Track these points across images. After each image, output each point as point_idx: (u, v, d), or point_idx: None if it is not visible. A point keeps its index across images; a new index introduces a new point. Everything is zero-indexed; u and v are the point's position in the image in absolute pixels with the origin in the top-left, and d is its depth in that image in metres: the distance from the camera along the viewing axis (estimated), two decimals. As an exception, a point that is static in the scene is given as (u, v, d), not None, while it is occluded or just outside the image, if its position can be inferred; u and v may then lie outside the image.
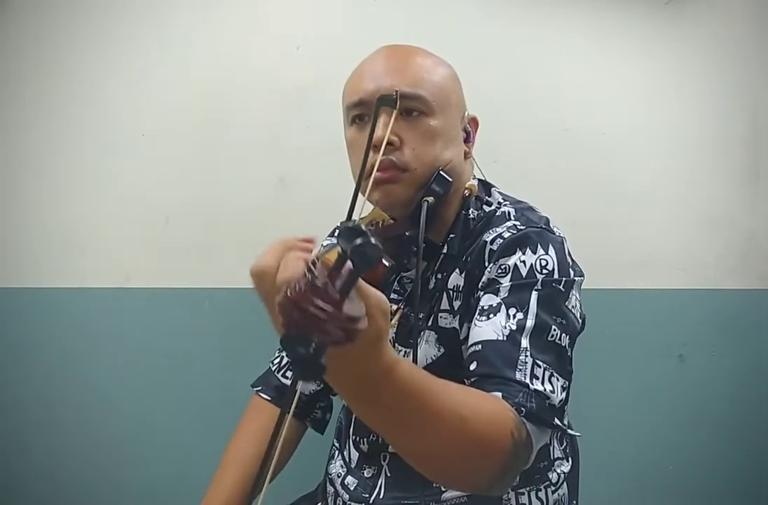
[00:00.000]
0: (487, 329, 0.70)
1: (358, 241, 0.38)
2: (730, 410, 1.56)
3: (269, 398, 0.95)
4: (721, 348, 1.56)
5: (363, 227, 0.39)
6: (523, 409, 0.63)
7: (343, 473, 0.90)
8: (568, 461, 0.89)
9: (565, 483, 0.87)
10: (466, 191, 0.83)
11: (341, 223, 0.39)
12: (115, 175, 1.32)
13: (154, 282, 1.33)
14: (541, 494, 0.83)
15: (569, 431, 0.69)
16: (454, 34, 1.43)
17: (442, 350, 0.80)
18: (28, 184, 1.30)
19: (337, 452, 0.95)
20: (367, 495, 0.85)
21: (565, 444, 0.89)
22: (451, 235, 0.82)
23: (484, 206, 0.85)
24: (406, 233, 0.74)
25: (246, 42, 1.36)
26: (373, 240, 0.38)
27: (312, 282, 0.38)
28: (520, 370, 0.66)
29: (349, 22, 1.39)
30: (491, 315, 0.71)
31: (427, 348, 0.81)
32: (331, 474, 0.93)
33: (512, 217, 0.81)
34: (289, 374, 0.96)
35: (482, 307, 0.73)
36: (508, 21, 1.47)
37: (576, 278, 0.76)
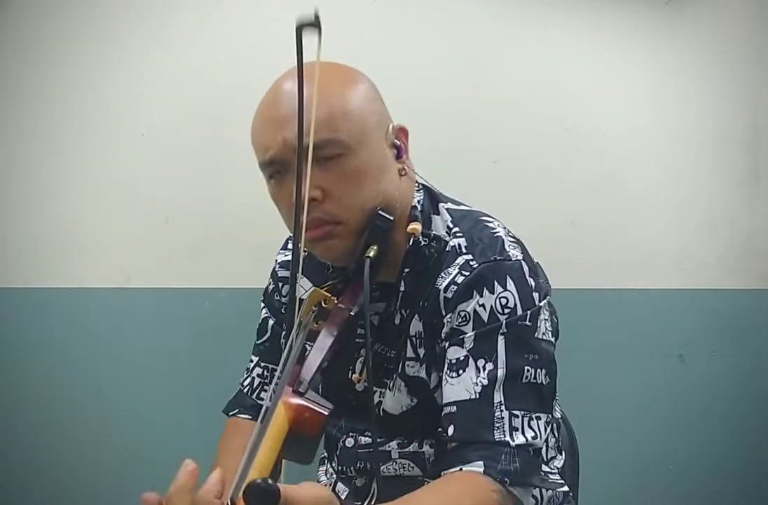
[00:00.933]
0: (458, 388, 0.70)
1: (253, 484, 0.40)
2: (730, 410, 1.56)
3: (249, 417, 0.90)
4: (721, 348, 1.56)
5: (270, 483, 0.41)
6: (507, 479, 0.64)
7: (332, 482, 0.88)
8: (561, 454, 0.88)
9: (558, 477, 0.85)
10: (410, 233, 0.75)
11: (249, 483, 0.42)
12: (115, 175, 1.32)
13: (154, 282, 1.33)
14: (535, 492, 0.82)
15: (552, 487, 0.73)
16: (454, 34, 1.43)
17: (415, 400, 0.78)
18: (28, 184, 1.30)
19: (326, 461, 0.93)
20: (359, 503, 0.83)
21: (555, 439, 0.87)
22: (406, 270, 0.77)
23: (432, 242, 0.76)
24: (351, 313, 0.70)
25: (246, 42, 1.36)
26: (263, 484, 0.40)
27: None
28: (498, 428, 0.66)
29: (349, 22, 1.39)
30: (461, 371, 0.70)
31: (400, 396, 0.78)
32: (319, 480, 0.91)
33: (464, 250, 0.74)
34: (264, 394, 0.91)
35: (450, 361, 0.71)
36: (508, 21, 1.47)
37: (541, 303, 0.73)
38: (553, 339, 0.76)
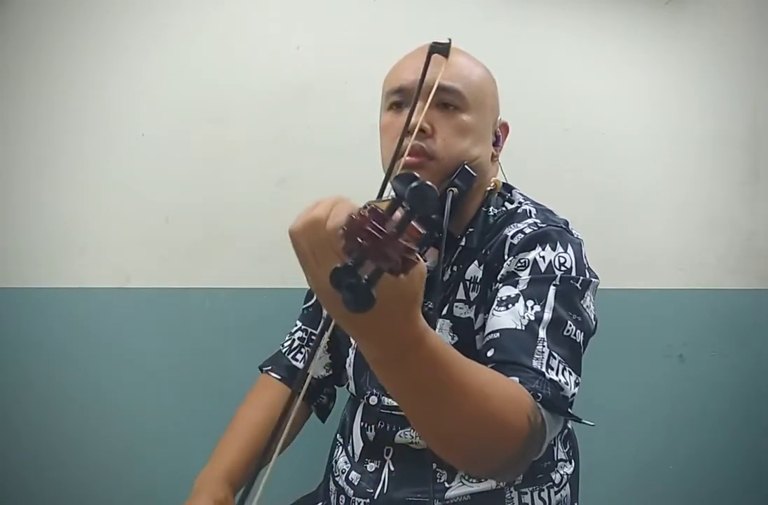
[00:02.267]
0: (505, 318, 0.72)
1: (415, 183, 0.38)
2: (730, 409, 1.57)
3: (279, 378, 0.97)
4: (721, 348, 1.57)
5: (417, 175, 0.40)
6: (540, 394, 0.64)
7: (347, 469, 0.91)
8: (570, 463, 0.90)
9: (567, 485, 0.87)
10: (491, 184, 0.86)
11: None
12: (115, 175, 1.32)
13: (154, 282, 1.33)
14: (544, 495, 0.83)
15: (583, 421, 0.70)
16: (454, 34, 1.41)
17: (456, 338, 0.82)
18: (28, 184, 1.30)
19: (340, 447, 0.96)
20: (371, 490, 0.85)
21: (568, 447, 0.90)
22: (470, 230, 0.84)
23: (506, 203, 0.87)
24: (433, 216, 0.74)
25: (246, 42, 1.36)
26: (429, 183, 0.39)
27: (375, 209, 0.39)
28: (537, 359, 0.67)
29: (349, 22, 1.39)
30: (510, 305, 0.73)
31: (442, 336, 0.81)
32: (335, 471, 0.94)
33: (533, 215, 0.83)
34: (299, 356, 0.97)
35: (501, 298, 0.75)
36: (508, 21, 1.47)
37: (593, 280, 0.78)
38: (594, 322, 0.78)
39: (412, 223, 0.39)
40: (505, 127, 0.91)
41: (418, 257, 0.45)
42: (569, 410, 0.68)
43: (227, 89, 1.35)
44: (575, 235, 0.81)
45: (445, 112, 0.80)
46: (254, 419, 0.91)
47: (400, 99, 0.83)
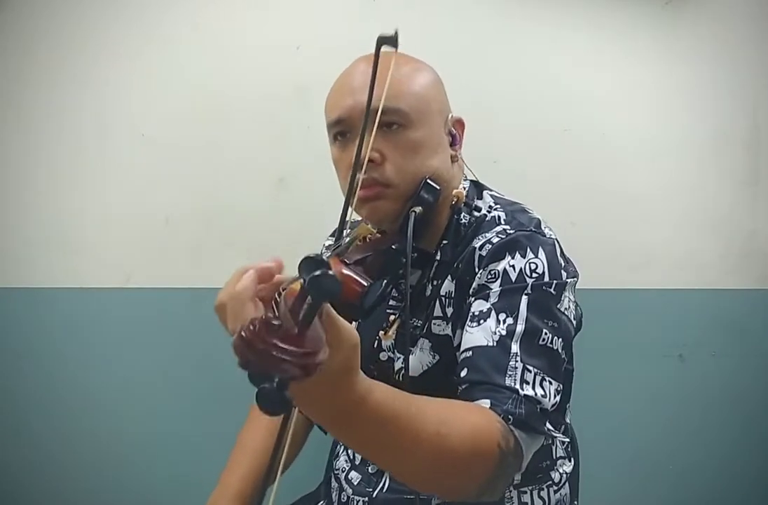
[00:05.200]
0: (477, 335, 0.71)
1: (315, 273, 0.37)
2: (731, 410, 1.56)
3: None
4: (722, 348, 1.56)
5: (324, 258, 0.40)
6: (510, 417, 0.63)
7: (347, 468, 0.91)
8: (570, 461, 0.89)
9: (567, 483, 0.87)
10: (453, 199, 0.83)
11: (305, 257, 0.40)
12: (115, 175, 1.32)
13: (154, 282, 1.33)
14: (543, 494, 0.84)
15: (558, 436, 0.69)
16: (454, 33, 1.43)
17: (437, 357, 0.80)
18: (28, 184, 1.30)
19: (341, 447, 0.96)
20: (370, 489, 0.86)
21: (566, 444, 0.90)
22: (444, 242, 0.82)
23: (474, 212, 0.84)
24: (393, 246, 0.73)
25: (246, 42, 1.36)
26: (330, 272, 0.38)
27: (267, 320, 0.38)
28: (510, 375, 0.66)
29: (349, 22, 1.39)
30: (481, 321, 0.72)
31: (422, 356, 0.81)
32: (336, 470, 0.94)
33: (502, 222, 0.80)
34: None
35: (473, 313, 0.74)
36: (508, 21, 1.47)
37: (568, 280, 0.76)
38: (574, 321, 0.77)
39: (346, 273, 0.37)
40: (459, 123, 0.87)
41: (349, 329, 0.45)
42: (547, 424, 0.67)
43: (227, 89, 1.35)
44: (547, 236, 0.79)
45: (390, 134, 0.77)
46: (260, 436, 0.92)
47: (341, 130, 0.80)
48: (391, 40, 0.65)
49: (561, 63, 1.49)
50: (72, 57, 1.30)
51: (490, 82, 1.44)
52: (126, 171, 1.32)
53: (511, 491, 0.82)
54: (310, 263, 0.40)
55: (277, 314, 0.39)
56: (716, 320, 1.56)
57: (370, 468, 0.88)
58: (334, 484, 0.94)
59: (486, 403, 0.64)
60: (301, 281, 0.39)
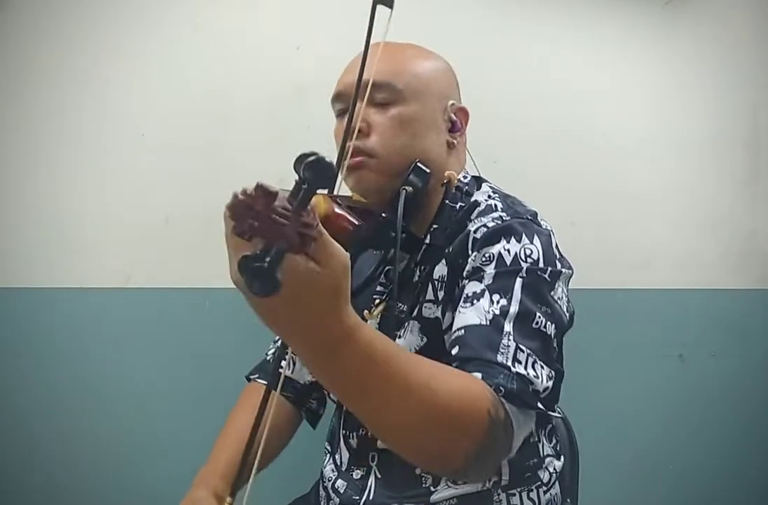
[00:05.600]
0: (470, 315, 0.70)
1: (311, 158, 0.38)
2: (731, 410, 1.56)
3: (266, 383, 0.94)
4: (722, 348, 1.56)
5: (315, 152, 0.39)
6: (502, 388, 0.61)
7: (333, 477, 0.90)
8: (559, 459, 0.88)
9: (557, 483, 0.86)
10: (444, 181, 0.82)
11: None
12: (115, 175, 1.32)
13: (154, 282, 1.33)
14: (533, 495, 0.82)
15: (551, 413, 0.67)
16: (454, 33, 1.43)
17: (425, 339, 0.80)
18: (28, 183, 1.30)
19: (329, 456, 0.95)
20: (357, 497, 0.84)
21: (555, 441, 0.88)
22: (434, 226, 0.82)
23: (465, 196, 0.83)
24: (383, 214, 0.72)
25: (246, 42, 1.36)
26: (327, 158, 0.38)
27: (264, 186, 0.37)
28: (502, 353, 0.65)
29: (349, 22, 1.39)
30: (475, 301, 0.71)
31: (411, 338, 0.80)
32: (323, 478, 0.93)
33: (499, 209, 0.80)
34: (284, 363, 0.94)
35: (466, 294, 0.73)
36: (509, 21, 1.47)
37: (563, 270, 0.75)
38: (567, 314, 0.76)
39: (337, 211, 0.37)
40: (463, 112, 0.86)
41: (341, 249, 0.44)
42: (539, 403, 0.65)
43: (227, 89, 1.35)
44: (544, 226, 0.79)
45: (381, 107, 0.79)
46: (244, 423, 0.88)
47: (340, 106, 0.84)
48: (387, 1, 0.69)
49: (561, 63, 1.49)
50: (72, 57, 1.30)
51: (490, 82, 1.44)
52: (126, 171, 1.32)
53: (499, 494, 0.80)
54: (304, 156, 0.39)
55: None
56: (716, 320, 1.56)
57: (354, 474, 0.86)
58: (321, 492, 0.93)
59: (477, 376, 0.62)
60: (296, 179, 0.39)
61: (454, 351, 0.68)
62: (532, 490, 0.82)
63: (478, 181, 0.89)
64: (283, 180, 1.46)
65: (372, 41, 0.72)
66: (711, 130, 1.57)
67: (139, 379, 1.31)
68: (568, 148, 1.49)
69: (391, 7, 0.70)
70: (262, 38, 1.36)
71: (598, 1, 1.50)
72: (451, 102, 0.85)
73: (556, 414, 0.68)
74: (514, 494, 0.81)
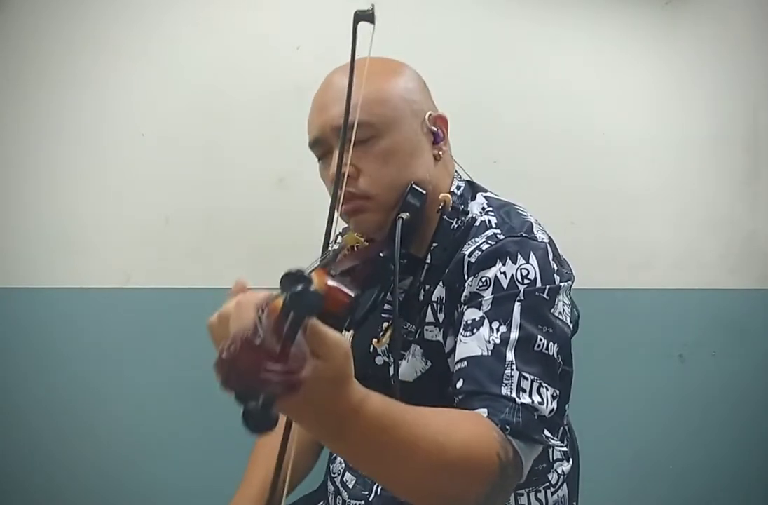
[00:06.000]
0: (471, 345, 0.70)
1: (296, 288, 0.37)
2: (730, 409, 1.56)
3: None
4: (722, 348, 1.56)
5: (304, 273, 0.39)
6: (508, 426, 0.62)
7: (342, 471, 0.91)
8: (568, 461, 0.88)
9: (564, 484, 0.86)
10: (440, 203, 0.80)
11: (287, 271, 0.40)
12: (115, 175, 1.32)
13: (154, 282, 1.33)
14: (541, 495, 0.83)
15: (556, 443, 0.68)
16: (454, 33, 1.43)
17: (429, 363, 0.80)
18: (28, 184, 1.30)
19: None
20: (366, 493, 0.85)
21: (565, 444, 0.89)
22: (434, 245, 0.81)
23: (461, 215, 0.82)
24: (381, 254, 0.72)
25: (246, 42, 1.36)
26: (312, 287, 0.37)
27: (248, 338, 0.37)
28: (506, 384, 0.66)
29: (349, 22, 1.39)
30: (475, 330, 0.71)
31: (415, 362, 0.80)
32: (332, 472, 0.94)
33: (493, 225, 0.78)
34: None
35: (466, 322, 0.73)
36: (508, 21, 1.47)
37: (562, 284, 0.75)
38: (570, 324, 0.76)
39: (330, 284, 0.38)
40: (441, 119, 0.83)
41: (339, 338, 0.45)
42: (545, 431, 0.66)
43: (227, 89, 1.35)
44: (539, 240, 0.77)
45: (363, 146, 0.75)
46: (274, 444, 0.90)
47: (320, 152, 0.81)
48: (369, 16, 0.65)
49: (561, 63, 1.49)
50: (72, 57, 1.30)
51: (491, 82, 1.44)
52: (126, 171, 1.32)
53: None
54: (290, 279, 0.39)
55: (260, 331, 0.38)
56: (716, 320, 1.56)
57: None
58: (330, 487, 0.93)
59: (483, 412, 0.63)
60: (283, 297, 0.39)
61: (459, 384, 0.68)
62: (540, 491, 0.83)
63: (472, 188, 0.87)
64: (283, 180, 1.47)
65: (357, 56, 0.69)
66: (711, 130, 1.57)
67: (138, 378, 1.31)
68: (568, 148, 1.49)
69: (372, 22, 0.65)
70: (262, 38, 1.36)
71: (598, 1, 1.50)
72: (428, 113, 0.81)
73: (559, 443, 0.69)
74: (522, 494, 0.82)
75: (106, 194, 1.32)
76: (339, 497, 0.89)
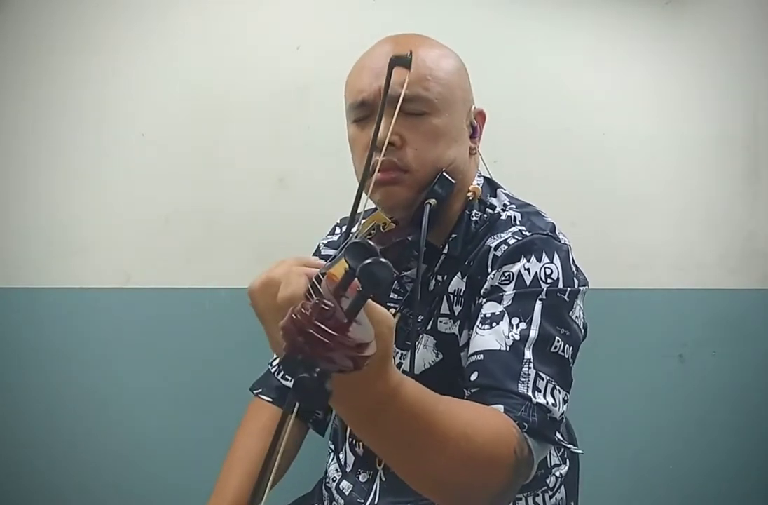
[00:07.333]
0: (489, 339, 0.69)
1: (368, 260, 0.35)
2: (730, 409, 1.56)
3: (270, 400, 0.93)
4: (722, 348, 1.56)
5: (372, 244, 0.37)
6: (525, 424, 0.62)
7: (338, 478, 0.89)
8: (565, 464, 0.88)
9: (562, 486, 0.86)
10: (469, 194, 0.80)
11: (349, 238, 0.37)
12: (115, 175, 1.32)
13: (154, 282, 1.33)
14: (539, 499, 0.82)
15: (571, 447, 0.68)
16: (454, 33, 1.41)
17: (441, 355, 0.79)
18: (28, 184, 1.30)
19: (332, 454, 0.94)
20: (362, 500, 0.84)
21: (562, 450, 0.89)
22: (453, 236, 0.80)
23: (488, 209, 0.82)
24: (409, 238, 0.71)
25: (246, 42, 1.36)
26: (383, 260, 0.35)
27: (319, 305, 0.35)
28: (523, 382, 0.65)
29: (349, 22, 1.39)
30: (494, 324, 0.70)
31: (425, 353, 0.79)
32: (327, 477, 0.93)
33: (518, 223, 0.78)
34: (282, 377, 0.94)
35: (484, 315, 0.72)
36: (508, 21, 1.47)
37: (581, 288, 0.75)
38: (583, 330, 0.76)
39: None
40: (481, 115, 0.85)
41: (385, 313, 0.43)
42: (556, 433, 0.65)
43: (227, 89, 1.35)
44: (562, 241, 0.77)
45: (412, 119, 0.74)
46: (252, 447, 0.87)
47: (362, 114, 0.77)
48: (405, 61, 0.64)
49: (561, 63, 1.49)
50: (72, 57, 1.30)
51: (491, 82, 1.43)
52: (126, 171, 1.32)
53: None
54: (359, 250, 0.37)
55: (321, 301, 0.35)
56: (716, 320, 1.56)
57: (360, 477, 0.86)
58: (325, 493, 0.92)
59: (499, 408, 0.62)
60: (346, 265, 0.37)
61: (473, 377, 0.67)
62: (537, 494, 0.82)
63: (490, 185, 0.87)
64: (284, 180, 1.47)
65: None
66: (711, 130, 1.57)
67: (138, 379, 1.31)
68: (568, 148, 1.49)
69: (408, 68, 0.64)
70: (262, 38, 1.36)
71: (598, 1, 1.50)
72: (473, 106, 0.82)
73: (570, 446, 0.69)
74: (520, 499, 0.81)
75: (106, 194, 1.32)
76: (334, 503, 0.88)
